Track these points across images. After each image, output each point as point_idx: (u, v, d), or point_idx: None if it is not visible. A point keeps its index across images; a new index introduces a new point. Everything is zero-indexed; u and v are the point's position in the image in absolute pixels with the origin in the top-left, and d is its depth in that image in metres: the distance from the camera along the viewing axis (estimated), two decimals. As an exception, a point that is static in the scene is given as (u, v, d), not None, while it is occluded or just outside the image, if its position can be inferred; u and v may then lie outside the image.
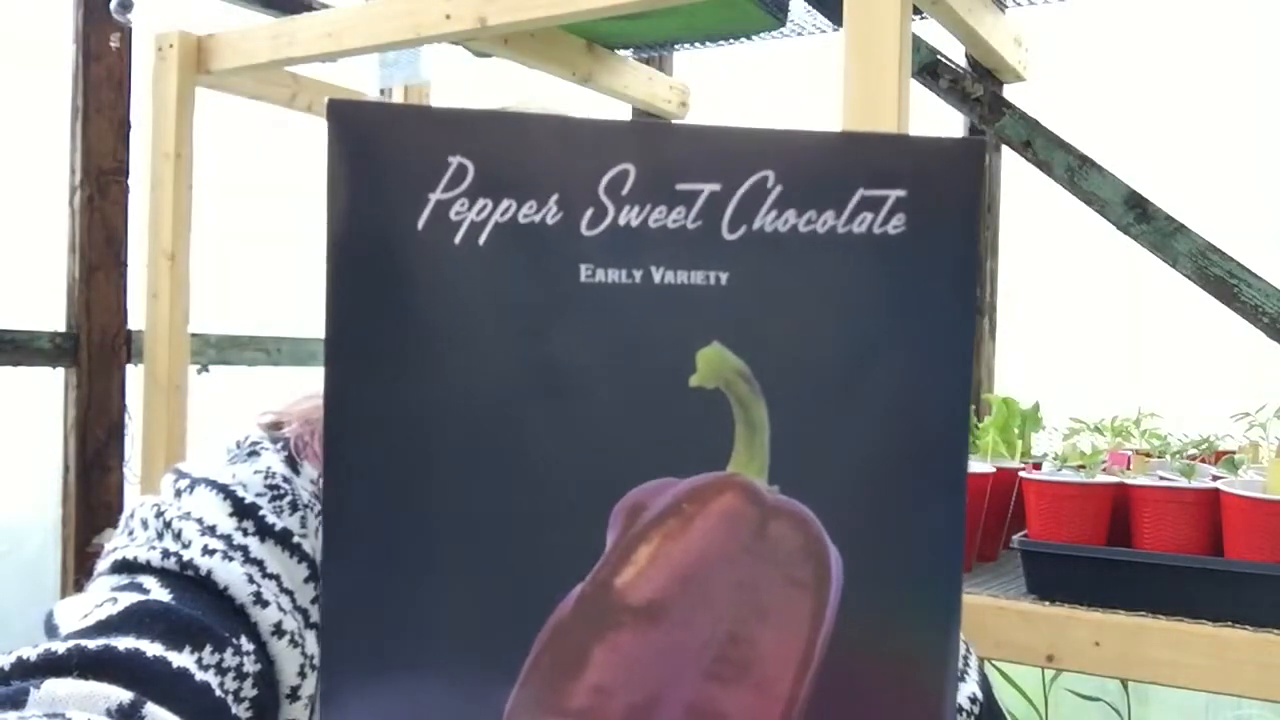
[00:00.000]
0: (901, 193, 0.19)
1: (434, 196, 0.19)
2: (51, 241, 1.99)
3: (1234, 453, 1.42)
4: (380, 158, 0.18)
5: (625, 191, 0.19)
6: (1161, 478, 1.29)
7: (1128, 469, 1.33)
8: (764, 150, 0.19)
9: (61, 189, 1.99)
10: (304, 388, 0.72)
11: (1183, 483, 1.24)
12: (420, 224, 0.19)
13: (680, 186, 0.19)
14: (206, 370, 2.16)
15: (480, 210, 0.19)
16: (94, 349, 2.00)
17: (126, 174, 2.04)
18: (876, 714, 0.19)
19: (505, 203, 0.19)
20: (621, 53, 2.34)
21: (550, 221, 0.19)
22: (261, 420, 0.69)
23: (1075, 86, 2.10)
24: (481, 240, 0.19)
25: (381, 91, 2.50)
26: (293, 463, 0.65)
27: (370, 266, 0.19)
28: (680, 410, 0.19)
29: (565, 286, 0.19)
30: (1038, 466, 1.44)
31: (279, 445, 0.66)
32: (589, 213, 0.19)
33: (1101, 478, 1.28)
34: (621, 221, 0.19)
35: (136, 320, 2.03)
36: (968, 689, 0.74)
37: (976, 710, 0.73)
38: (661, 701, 0.18)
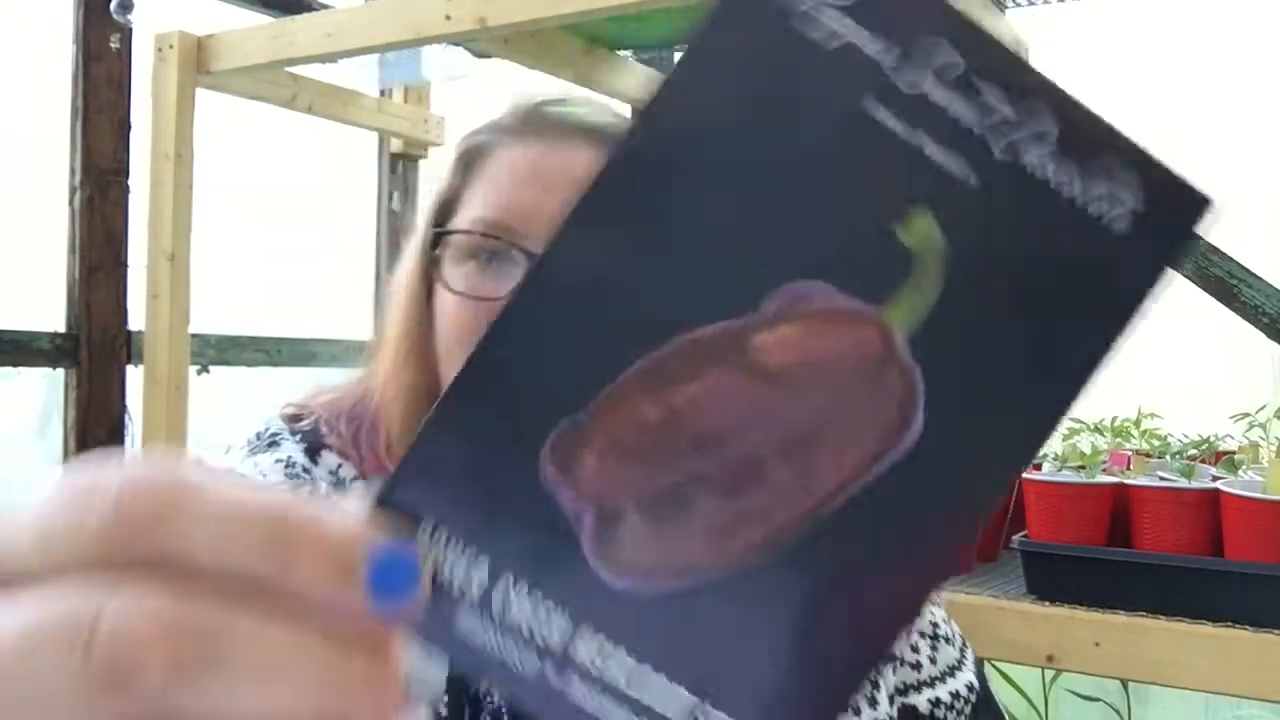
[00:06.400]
0: (1138, 206, 0.23)
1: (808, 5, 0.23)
2: (51, 241, 1.99)
3: (1234, 453, 1.42)
4: None
5: (943, 75, 0.23)
6: (1161, 478, 1.29)
7: (1128, 469, 1.33)
8: (1063, 108, 0.23)
9: (61, 189, 1.99)
10: (321, 384, 0.73)
11: (1183, 483, 1.24)
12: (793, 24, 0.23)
13: (985, 99, 0.23)
14: (206, 370, 2.16)
15: (842, 24, 0.23)
16: (94, 349, 2.00)
17: (126, 174, 2.04)
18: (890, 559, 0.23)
19: (864, 32, 0.23)
20: (621, 53, 2.34)
21: (880, 59, 0.23)
22: (283, 412, 0.70)
23: (1075, 86, 2.10)
24: (832, 46, 0.23)
25: (382, 92, 2.50)
26: (312, 453, 0.65)
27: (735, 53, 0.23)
28: (873, 244, 0.22)
29: (851, 104, 0.23)
30: (1038, 467, 1.44)
31: (298, 437, 0.66)
32: (911, 76, 0.23)
33: (1101, 478, 1.28)
34: (929, 94, 0.23)
35: (136, 320, 2.03)
36: (965, 677, 0.75)
37: (973, 698, 0.74)
38: (728, 444, 0.22)
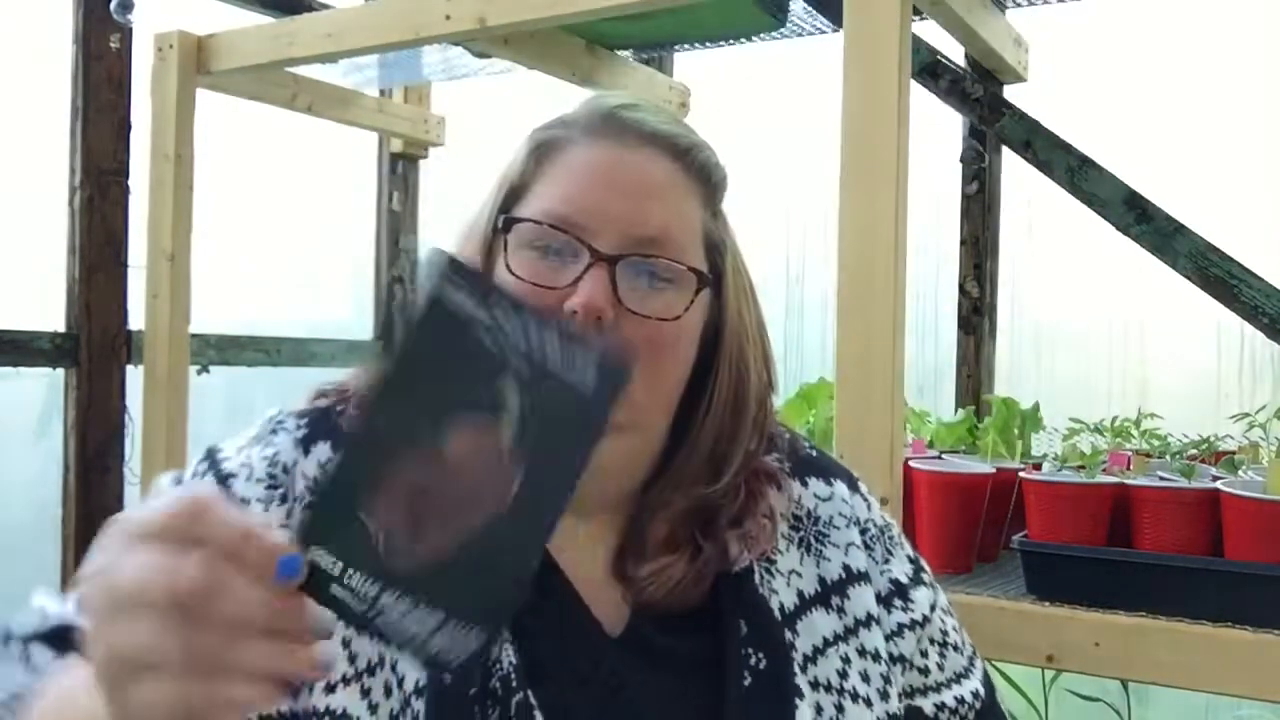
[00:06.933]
0: (592, 379, 0.47)
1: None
2: (51, 241, 1.99)
3: (1234, 453, 1.42)
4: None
5: (500, 307, 0.47)
6: (1161, 478, 1.29)
7: (1128, 469, 1.33)
8: (555, 325, 0.48)
9: (61, 189, 1.99)
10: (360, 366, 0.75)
11: (1183, 483, 1.24)
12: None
13: (520, 322, 0.47)
14: (206, 370, 2.16)
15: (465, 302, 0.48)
16: (94, 349, 2.00)
17: (126, 174, 2.04)
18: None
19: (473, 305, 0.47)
20: (621, 53, 2.34)
21: (473, 315, 0.47)
22: (317, 388, 0.71)
23: (1075, 87, 2.10)
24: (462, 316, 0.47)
25: (382, 92, 2.50)
26: (308, 442, 0.66)
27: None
28: (489, 400, 0.46)
29: (468, 338, 0.47)
30: (1038, 467, 1.44)
31: (304, 422, 0.68)
32: (493, 319, 0.47)
33: (1101, 478, 1.28)
34: (494, 324, 0.47)
35: (136, 320, 2.04)
36: (970, 685, 0.76)
37: (978, 705, 0.75)
38: (442, 494, 0.46)
